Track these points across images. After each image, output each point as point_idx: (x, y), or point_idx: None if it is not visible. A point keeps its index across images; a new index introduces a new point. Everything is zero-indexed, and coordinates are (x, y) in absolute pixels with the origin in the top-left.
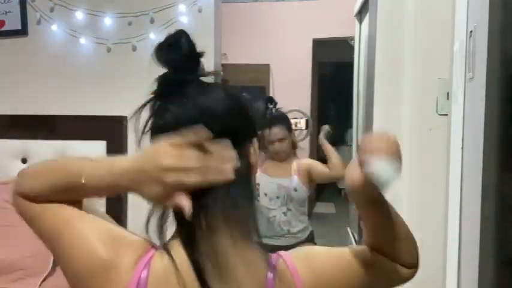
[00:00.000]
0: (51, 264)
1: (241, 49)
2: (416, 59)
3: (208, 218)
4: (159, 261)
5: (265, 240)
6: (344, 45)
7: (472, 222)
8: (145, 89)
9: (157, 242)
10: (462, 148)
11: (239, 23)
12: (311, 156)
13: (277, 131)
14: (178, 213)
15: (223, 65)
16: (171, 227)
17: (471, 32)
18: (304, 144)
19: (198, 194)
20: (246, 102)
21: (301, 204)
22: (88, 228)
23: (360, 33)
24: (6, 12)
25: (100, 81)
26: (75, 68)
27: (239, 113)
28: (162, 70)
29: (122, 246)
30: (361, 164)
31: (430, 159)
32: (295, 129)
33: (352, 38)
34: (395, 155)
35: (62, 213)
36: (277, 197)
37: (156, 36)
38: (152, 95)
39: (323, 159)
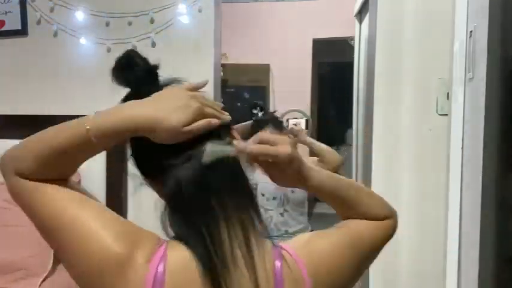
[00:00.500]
0: (51, 264)
1: (241, 49)
2: (416, 59)
3: (220, 208)
4: (174, 253)
5: None
6: (344, 45)
7: (472, 222)
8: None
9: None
10: (462, 148)
11: (239, 23)
12: (311, 155)
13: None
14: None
15: (223, 65)
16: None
17: (471, 32)
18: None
19: (208, 186)
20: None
21: (299, 205)
22: (95, 219)
23: (360, 33)
24: (6, 12)
25: (100, 81)
26: (75, 68)
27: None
28: (162, 70)
29: (135, 240)
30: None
31: (430, 159)
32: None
33: (352, 38)
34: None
35: (61, 197)
36: (274, 198)
37: (156, 36)
38: None
39: None
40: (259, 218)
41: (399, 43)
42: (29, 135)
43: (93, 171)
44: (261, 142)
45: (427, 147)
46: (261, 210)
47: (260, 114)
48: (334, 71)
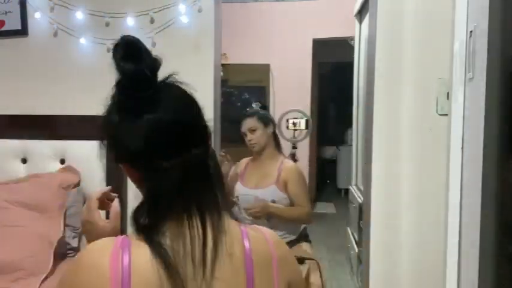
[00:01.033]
0: (51, 264)
1: (241, 49)
2: (416, 59)
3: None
4: (137, 248)
5: None
6: (344, 45)
7: (472, 222)
8: None
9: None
10: (462, 148)
11: (239, 23)
12: (311, 156)
13: (247, 122)
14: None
15: (223, 65)
16: None
17: (471, 32)
18: (304, 144)
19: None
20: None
21: None
22: None
23: (360, 33)
24: (6, 12)
25: (100, 81)
26: (75, 68)
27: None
28: (162, 70)
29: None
30: None
31: (430, 159)
32: (295, 129)
33: (352, 38)
34: None
35: None
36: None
37: (156, 36)
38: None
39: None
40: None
41: (399, 43)
42: (29, 135)
43: (93, 171)
44: None
45: (427, 147)
46: (247, 222)
47: (255, 106)
48: (334, 71)
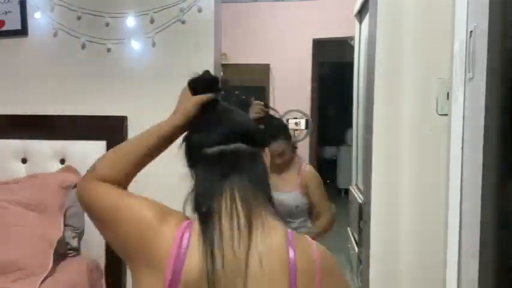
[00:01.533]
0: (51, 264)
1: (241, 49)
2: (416, 59)
3: (233, 191)
4: (197, 225)
5: None
6: (344, 45)
7: (472, 223)
8: (145, 89)
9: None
10: (462, 148)
11: (239, 23)
12: (311, 156)
13: (276, 147)
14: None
15: (223, 65)
16: None
17: (471, 32)
18: (304, 145)
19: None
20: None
21: (303, 223)
22: (137, 201)
23: (360, 33)
24: (6, 12)
25: (100, 81)
26: (75, 68)
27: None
28: (162, 70)
29: (166, 213)
30: None
31: (430, 159)
32: (296, 129)
33: (352, 38)
34: None
35: (115, 193)
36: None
37: (156, 36)
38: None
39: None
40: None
41: (399, 43)
42: (29, 135)
43: None
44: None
45: (427, 147)
46: None
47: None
48: (334, 71)
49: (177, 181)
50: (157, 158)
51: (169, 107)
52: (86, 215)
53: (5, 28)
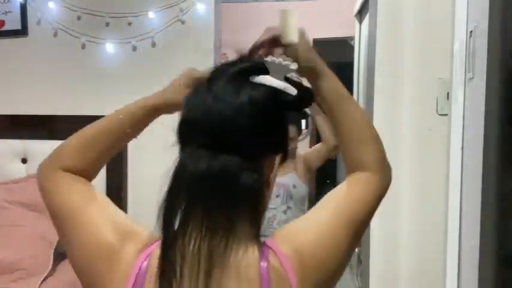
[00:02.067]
0: (51, 264)
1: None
2: (416, 59)
3: (207, 217)
4: (157, 251)
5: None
6: (344, 45)
7: (472, 222)
8: (145, 89)
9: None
10: (462, 148)
11: (239, 23)
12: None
13: (291, 130)
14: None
15: None
16: None
17: (471, 32)
18: (304, 144)
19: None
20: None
21: (301, 202)
22: (99, 214)
23: (360, 33)
24: (6, 12)
25: (100, 81)
26: (75, 68)
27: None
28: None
29: (128, 235)
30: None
31: (430, 159)
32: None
33: (352, 38)
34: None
35: (77, 192)
36: (277, 196)
37: (156, 36)
38: None
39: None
40: (255, 221)
41: (399, 43)
42: (29, 135)
43: None
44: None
45: (427, 147)
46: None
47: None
48: (334, 71)
49: None
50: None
51: None
52: None
53: (5, 28)
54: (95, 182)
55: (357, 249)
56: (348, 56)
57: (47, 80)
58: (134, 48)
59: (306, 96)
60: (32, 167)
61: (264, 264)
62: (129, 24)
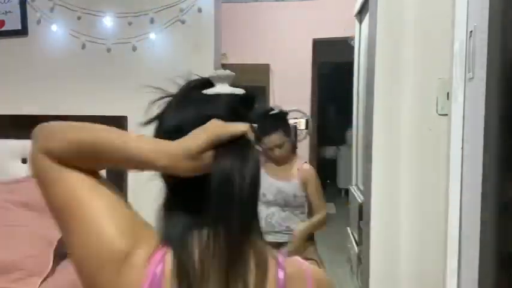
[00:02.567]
0: (51, 264)
1: (241, 49)
2: (416, 59)
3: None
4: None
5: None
6: (344, 45)
7: (472, 222)
8: (145, 88)
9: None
10: (462, 148)
11: (239, 23)
12: (311, 156)
13: (273, 138)
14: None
15: (223, 65)
16: None
17: (471, 32)
18: (304, 145)
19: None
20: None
21: (300, 210)
22: (104, 212)
23: (360, 33)
24: (6, 12)
25: (100, 81)
26: (75, 68)
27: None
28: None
29: (139, 239)
30: None
31: (430, 159)
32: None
33: (352, 38)
34: None
35: (77, 186)
36: (275, 199)
37: (156, 36)
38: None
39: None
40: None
41: (399, 43)
42: (29, 135)
43: None
44: None
45: (427, 147)
46: (263, 206)
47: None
48: (334, 71)
49: None
50: None
51: None
52: None
53: (5, 28)
54: None
55: (357, 249)
56: (348, 56)
57: (47, 80)
58: (134, 48)
59: (252, 94)
60: None
61: (281, 272)
62: (129, 24)
